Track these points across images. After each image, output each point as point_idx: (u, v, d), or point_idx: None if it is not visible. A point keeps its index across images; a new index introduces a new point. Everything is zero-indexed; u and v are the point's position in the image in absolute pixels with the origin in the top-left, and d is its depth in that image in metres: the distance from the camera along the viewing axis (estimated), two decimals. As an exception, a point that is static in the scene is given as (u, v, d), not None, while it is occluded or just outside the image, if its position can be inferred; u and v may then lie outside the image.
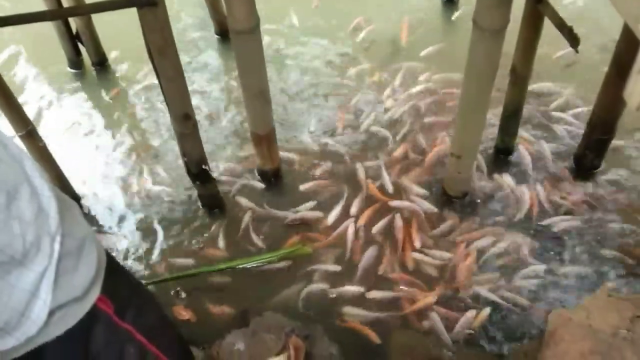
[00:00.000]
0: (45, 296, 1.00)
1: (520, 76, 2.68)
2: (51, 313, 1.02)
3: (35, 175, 1.02)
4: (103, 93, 3.75)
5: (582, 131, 2.93)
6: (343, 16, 4.05)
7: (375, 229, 2.79)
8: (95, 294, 1.13)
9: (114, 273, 1.24)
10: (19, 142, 2.60)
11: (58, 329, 1.06)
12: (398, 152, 3.12)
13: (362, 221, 2.82)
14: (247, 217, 2.89)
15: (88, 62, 3.90)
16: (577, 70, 3.48)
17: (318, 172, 3.08)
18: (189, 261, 2.75)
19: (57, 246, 1.02)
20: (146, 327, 1.29)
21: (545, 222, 2.75)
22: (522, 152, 3.03)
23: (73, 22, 3.66)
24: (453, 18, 3.98)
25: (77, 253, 1.09)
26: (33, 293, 0.98)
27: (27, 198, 0.98)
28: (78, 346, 1.12)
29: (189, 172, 2.74)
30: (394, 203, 2.88)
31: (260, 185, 3.05)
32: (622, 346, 1.80)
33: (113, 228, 2.95)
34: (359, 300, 2.55)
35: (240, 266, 2.69)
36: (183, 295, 2.62)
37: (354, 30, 3.96)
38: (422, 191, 2.92)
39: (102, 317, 1.16)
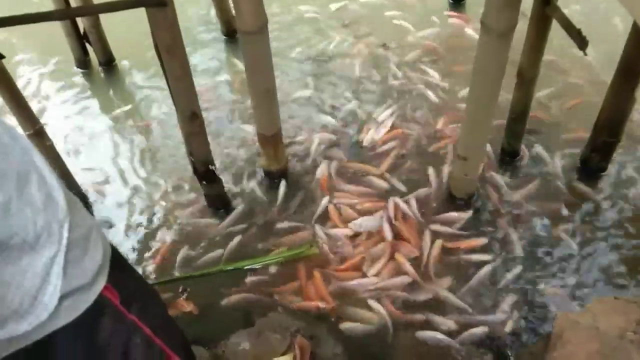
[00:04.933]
0: (56, 281, 1.03)
1: (526, 78, 2.68)
2: (61, 299, 1.04)
3: (44, 167, 1.06)
4: (110, 92, 3.77)
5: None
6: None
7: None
8: (102, 282, 1.16)
9: (119, 268, 1.26)
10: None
11: (67, 316, 1.07)
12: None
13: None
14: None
15: (95, 62, 3.93)
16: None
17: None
18: (195, 262, 2.75)
19: (65, 233, 1.05)
20: (151, 322, 1.30)
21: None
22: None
23: (81, 22, 3.68)
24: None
25: (84, 241, 1.12)
26: (44, 278, 1.01)
27: (36, 186, 1.01)
28: (86, 335, 1.13)
29: (195, 171, 2.75)
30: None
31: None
32: (629, 348, 1.79)
33: (117, 227, 2.95)
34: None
35: (247, 267, 2.68)
36: (185, 295, 2.60)
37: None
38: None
39: (108, 306, 1.18)
